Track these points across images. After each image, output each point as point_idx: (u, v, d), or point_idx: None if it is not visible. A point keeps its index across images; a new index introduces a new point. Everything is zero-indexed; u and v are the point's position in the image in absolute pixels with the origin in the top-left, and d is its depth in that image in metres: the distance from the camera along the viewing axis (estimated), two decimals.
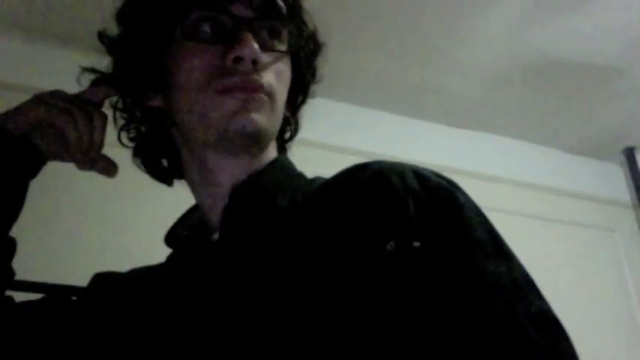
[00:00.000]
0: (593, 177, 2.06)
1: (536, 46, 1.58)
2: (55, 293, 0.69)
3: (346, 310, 0.46)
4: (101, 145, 0.66)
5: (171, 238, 0.66)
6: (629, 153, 2.00)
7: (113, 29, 0.66)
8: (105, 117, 0.67)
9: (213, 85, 0.57)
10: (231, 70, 0.57)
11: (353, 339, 0.45)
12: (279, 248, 0.53)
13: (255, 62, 0.57)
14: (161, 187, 0.71)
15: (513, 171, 1.94)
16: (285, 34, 0.63)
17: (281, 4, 0.62)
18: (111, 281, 0.68)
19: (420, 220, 0.49)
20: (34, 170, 0.67)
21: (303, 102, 0.71)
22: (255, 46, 0.57)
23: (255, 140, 0.58)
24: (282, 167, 0.64)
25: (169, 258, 0.67)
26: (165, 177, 0.70)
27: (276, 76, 0.60)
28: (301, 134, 0.75)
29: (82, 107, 0.65)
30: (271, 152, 0.65)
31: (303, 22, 0.68)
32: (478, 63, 1.65)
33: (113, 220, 1.34)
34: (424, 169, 0.55)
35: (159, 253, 0.68)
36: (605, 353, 1.70)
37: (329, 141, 1.68)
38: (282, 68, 0.62)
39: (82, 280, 0.71)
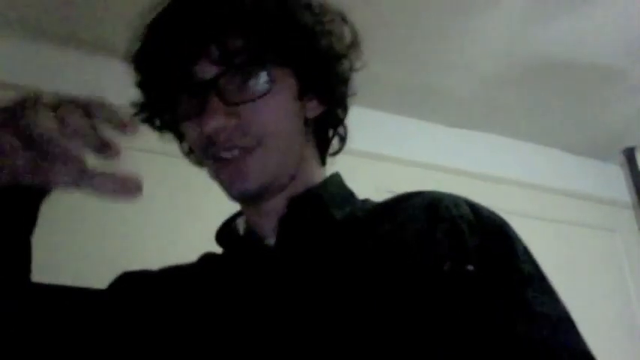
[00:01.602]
0: (593, 177, 2.06)
1: (535, 46, 1.58)
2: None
3: (399, 322, 0.49)
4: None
5: (223, 235, 0.66)
6: (629, 153, 2.01)
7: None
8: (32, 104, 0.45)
9: (205, 156, 0.60)
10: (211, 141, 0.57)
11: (404, 351, 0.48)
12: (337, 260, 0.55)
13: (221, 135, 0.56)
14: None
15: (513, 171, 1.94)
16: (263, 73, 0.57)
17: (257, 45, 0.56)
18: (150, 279, 0.67)
19: (473, 246, 0.53)
20: (35, 209, 0.56)
21: (333, 112, 0.69)
22: (217, 118, 0.55)
23: (259, 196, 0.60)
24: (337, 184, 0.67)
25: (202, 258, 0.67)
26: None
27: (266, 118, 0.57)
28: None
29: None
30: (316, 170, 0.66)
31: (294, 40, 0.59)
32: (478, 63, 1.65)
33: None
34: (476, 202, 0.59)
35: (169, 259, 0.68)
36: (605, 353, 1.69)
37: None
38: (271, 105, 0.58)
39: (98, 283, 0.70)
